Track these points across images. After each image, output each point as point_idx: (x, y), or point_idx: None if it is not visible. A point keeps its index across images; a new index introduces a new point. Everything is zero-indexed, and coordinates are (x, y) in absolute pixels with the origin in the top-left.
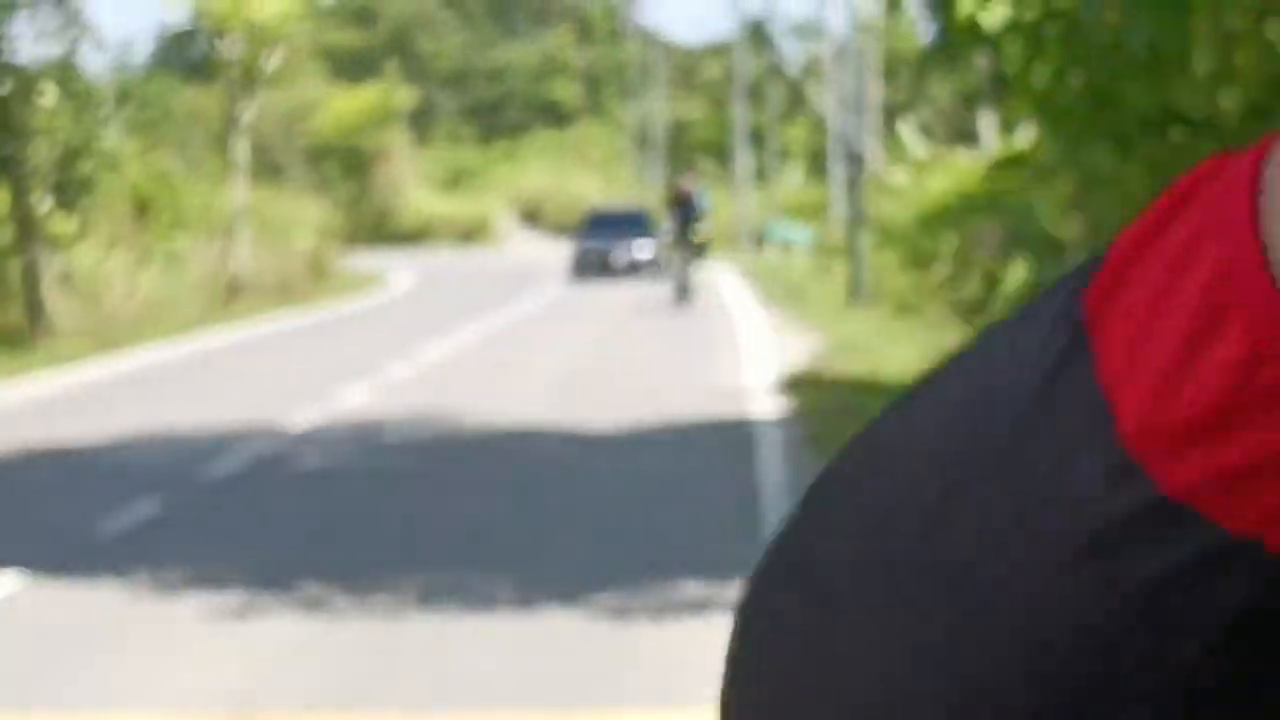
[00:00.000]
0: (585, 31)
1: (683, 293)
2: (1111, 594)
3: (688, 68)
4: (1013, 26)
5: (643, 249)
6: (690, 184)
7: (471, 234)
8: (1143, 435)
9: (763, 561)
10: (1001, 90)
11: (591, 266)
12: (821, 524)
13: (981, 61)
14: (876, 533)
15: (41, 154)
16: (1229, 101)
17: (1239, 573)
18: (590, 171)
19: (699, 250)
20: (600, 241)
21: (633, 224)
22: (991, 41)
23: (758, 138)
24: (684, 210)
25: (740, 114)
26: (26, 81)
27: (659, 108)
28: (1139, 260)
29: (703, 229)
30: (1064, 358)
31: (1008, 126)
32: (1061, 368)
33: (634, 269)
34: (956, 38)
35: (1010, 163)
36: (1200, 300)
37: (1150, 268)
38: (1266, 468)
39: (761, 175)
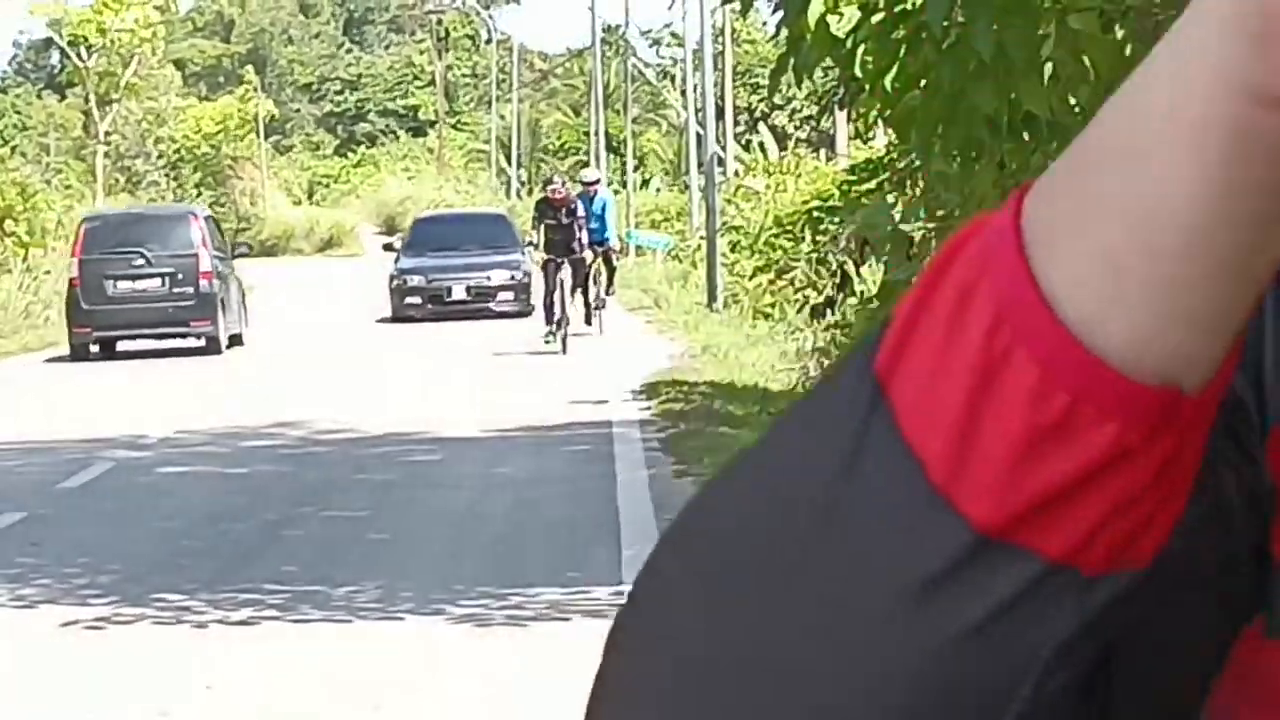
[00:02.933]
0: (443, 40)
1: (556, 331)
2: (943, 639)
3: (546, 73)
4: (864, 32)
5: (500, 272)
6: (564, 189)
7: (332, 243)
8: (950, 479)
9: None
10: (854, 95)
11: (415, 300)
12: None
13: (833, 68)
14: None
15: None
16: (1080, 100)
17: (1061, 599)
18: (450, 179)
19: (609, 272)
20: (430, 262)
21: (483, 235)
22: (843, 46)
23: (618, 144)
24: (564, 224)
25: (597, 120)
26: None
27: (518, 113)
28: (920, 319)
29: (610, 243)
30: (866, 420)
31: (861, 131)
32: (865, 429)
33: (485, 302)
34: (801, 43)
35: (864, 168)
36: (984, 340)
37: (931, 322)
38: (1069, 491)
39: (621, 181)
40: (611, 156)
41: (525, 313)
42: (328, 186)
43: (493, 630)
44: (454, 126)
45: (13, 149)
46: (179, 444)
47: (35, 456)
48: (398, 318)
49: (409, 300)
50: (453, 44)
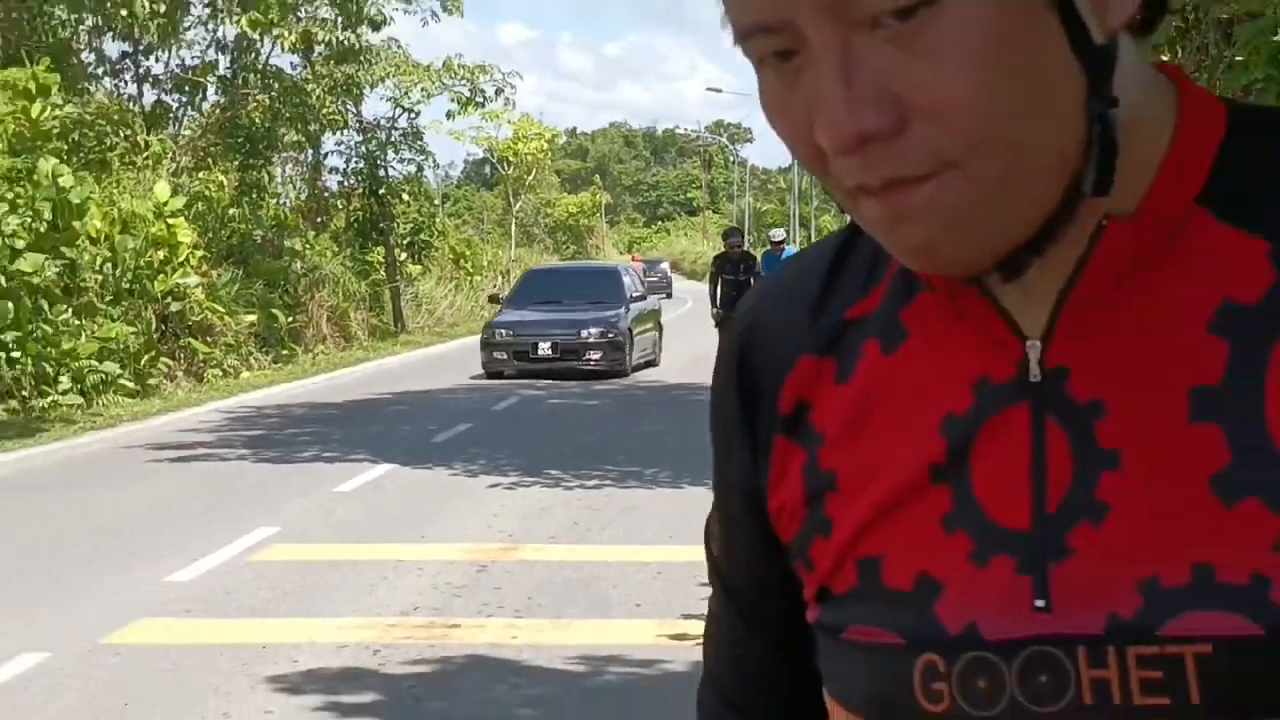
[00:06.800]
0: (707, 161)
1: None
2: None
3: (765, 181)
4: None
5: (594, 329)
6: (742, 245)
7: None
8: None
9: None
10: None
11: (501, 356)
12: None
13: None
14: None
15: (401, 229)
16: None
17: None
18: (709, 242)
19: None
20: (524, 316)
21: (590, 289)
22: None
23: (807, 222)
24: (740, 280)
25: (794, 207)
26: (393, 188)
27: (749, 203)
28: None
29: None
30: None
31: None
32: None
33: (572, 360)
34: None
35: None
36: None
37: None
38: None
39: (809, 244)
40: (801, 229)
41: (618, 372)
42: (640, 244)
43: None
44: (713, 211)
45: (463, 221)
46: (557, 388)
47: (477, 393)
48: (489, 373)
49: (495, 355)
50: (713, 163)
